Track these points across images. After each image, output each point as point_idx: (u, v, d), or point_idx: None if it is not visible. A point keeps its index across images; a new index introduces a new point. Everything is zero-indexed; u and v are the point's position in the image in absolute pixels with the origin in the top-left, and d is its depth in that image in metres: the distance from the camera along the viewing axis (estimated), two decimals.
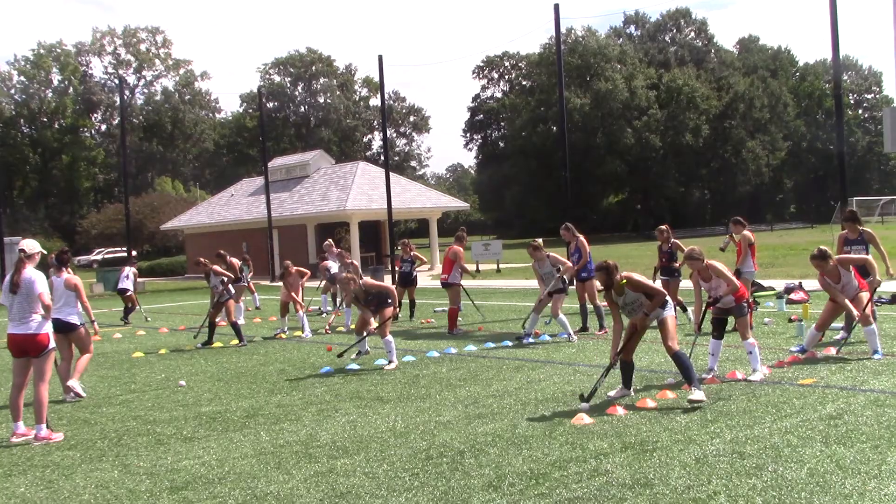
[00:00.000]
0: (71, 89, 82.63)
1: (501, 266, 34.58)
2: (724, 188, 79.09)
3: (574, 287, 13.84)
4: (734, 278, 9.18)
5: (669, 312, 8.29)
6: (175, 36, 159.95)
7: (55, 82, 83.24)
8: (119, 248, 56.83)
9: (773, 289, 18.19)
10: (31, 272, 8.14)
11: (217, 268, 15.13)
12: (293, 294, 15.92)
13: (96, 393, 10.51)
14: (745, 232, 13.43)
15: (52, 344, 8.28)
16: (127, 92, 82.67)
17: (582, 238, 13.82)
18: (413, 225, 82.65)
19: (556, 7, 24.67)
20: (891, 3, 21.67)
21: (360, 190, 38.93)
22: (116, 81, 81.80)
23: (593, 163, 71.09)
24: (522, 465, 6.30)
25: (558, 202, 54.17)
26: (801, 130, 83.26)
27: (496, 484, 5.87)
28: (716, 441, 6.64)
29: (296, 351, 13.62)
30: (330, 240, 20.62)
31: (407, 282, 17.38)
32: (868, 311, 10.04)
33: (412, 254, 17.41)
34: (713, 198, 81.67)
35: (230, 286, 14.91)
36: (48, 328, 8.20)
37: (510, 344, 12.75)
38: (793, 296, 16.46)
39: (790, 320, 13.36)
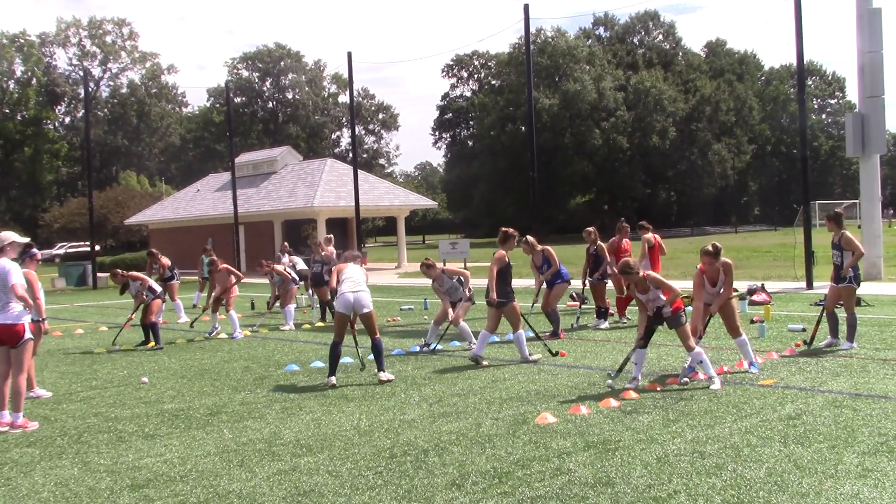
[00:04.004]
0: (34, 80, 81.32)
1: (469, 265, 34.60)
2: (689, 190, 79.82)
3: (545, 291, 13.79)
4: (672, 285, 8.95)
5: None
6: (142, 28, 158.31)
7: (18, 73, 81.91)
8: (82, 243, 56.04)
9: (736, 290, 18.36)
10: (6, 263, 8.19)
11: (134, 273, 14.56)
12: (228, 292, 15.52)
13: (56, 389, 10.38)
14: (646, 235, 15.04)
15: (29, 334, 8.32)
16: (92, 84, 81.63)
17: (548, 248, 13.82)
18: (381, 222, 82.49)
19: (526, 7, 24.78)
20: (854, 9, 22.09)
21: (328, 187, 38.80)
22: (81, 73, 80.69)
23: (561, 163, 71.40)
24: (486, 463, 6.32)
25: (526, 201, 54.28)
26: (766, 134, 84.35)
27: (459, 482, 5.89)
28: (677, 441, 6.72)
29: (260, 348, 13.54)
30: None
31: (318, 283, 16.81)
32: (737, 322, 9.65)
33: (323, 253, 16.88)
34: (679, 199, 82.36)
35: (153, 287, 14.50)
36: (27, 319, 8.27)
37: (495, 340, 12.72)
38: (755, 297, 16.68)
39: (752, 321, 13.53)
